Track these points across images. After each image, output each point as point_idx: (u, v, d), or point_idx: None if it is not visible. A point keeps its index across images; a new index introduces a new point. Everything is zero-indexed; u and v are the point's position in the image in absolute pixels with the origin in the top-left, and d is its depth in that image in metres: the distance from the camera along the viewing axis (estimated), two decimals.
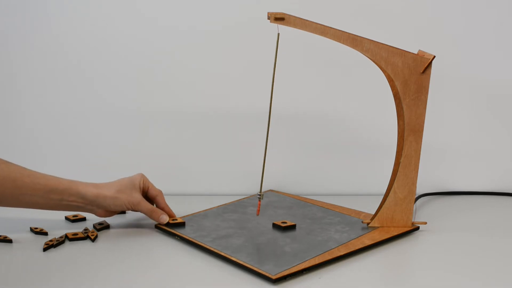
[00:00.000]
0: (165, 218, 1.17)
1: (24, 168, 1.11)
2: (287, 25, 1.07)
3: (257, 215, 1.18)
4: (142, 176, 1.19)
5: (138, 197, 1.16)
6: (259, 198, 1.14)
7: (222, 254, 1.04)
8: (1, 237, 1.11)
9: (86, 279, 0.97)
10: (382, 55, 1.10)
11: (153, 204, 1.20)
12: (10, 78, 1.39)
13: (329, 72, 1.39)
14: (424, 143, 1.14)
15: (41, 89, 1.39)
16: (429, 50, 1.13)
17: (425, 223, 1.18)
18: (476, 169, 1.44)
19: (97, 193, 1.13)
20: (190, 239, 1.10)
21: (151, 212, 1.17)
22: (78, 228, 1.18)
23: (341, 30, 1.08)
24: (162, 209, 1.20)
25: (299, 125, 1.41)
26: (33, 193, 1.10)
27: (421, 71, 1.10)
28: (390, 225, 1.16)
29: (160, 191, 1.21)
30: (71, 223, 1.22)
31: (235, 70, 1.39)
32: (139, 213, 1.27)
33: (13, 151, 1.35)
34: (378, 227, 1.16)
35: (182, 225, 1.16)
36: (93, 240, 1.12)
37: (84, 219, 1.23)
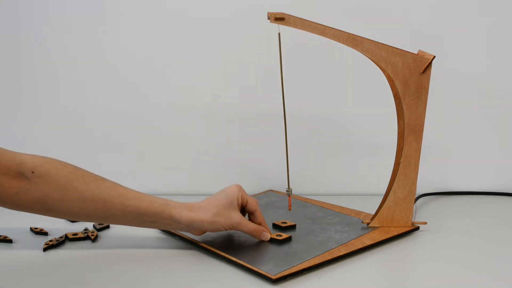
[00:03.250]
0: (267, 236, 1.09)
1: (114, 185, 1.05)
2: (287, 25, 1.07)
3: (289, 210, 1.18)
4: (240, 189, 1.09)
5: (237, 217, 1.07)
6: (288, 194, 1.15)
7: (222, 254, 1.04)
8: (1, 237, 1.11)
9: (86, 279, 0.97)
10: (382, 55, 1.10)
11: (248, 217, 1.13)
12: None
13: (329, 72, 1.39)
14: (424, 143, 1.14)
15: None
16: (429, 50, 1.13)
17: (425, 223, 1.18)
18: (476, 169, 1.44)
19: (192, 218, 1.05)
20: (190, 239, 1.10)
21: (252, 232, 1.09)
22: (78, 228, 1.18)
23: (341, 30, 1.08)
24: (259, 224, 1.11)
25: (299, 125, 1.40)
26: (124, 215, 1.04)
27: (421, 71, 1.10)
28: (390, 225, 1.16)
29: (256, 203, 1.12)
30: (71, 223, 1.22)
31: (236, 70, 1.39)
32: None
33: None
34: (378, 227, 1.16)
35: (289, 239, 1.11)
36: (93, 240, 1.12)
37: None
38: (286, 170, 1.16)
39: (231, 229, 1.07)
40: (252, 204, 1.11)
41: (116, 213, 1.04)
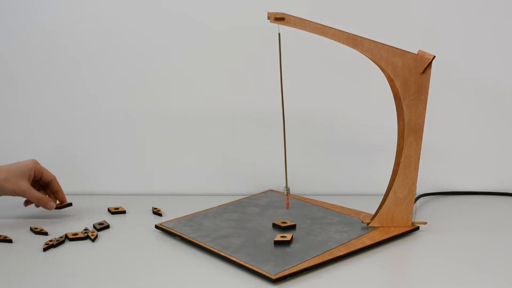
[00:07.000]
0: (52, 205, 1.21)
1: None
2: (287, 25, 1.07)
3: (287, 208, 1.22)
4: (35, 163, 1.19)
5: (24, 185, 1.17)
6: (287, 192, 1.17)
7: (222, 254, 1.04)
8: (1, 237, 1.11)
9: (86, 279, 0.98)
10: (382, 55, 1.10)
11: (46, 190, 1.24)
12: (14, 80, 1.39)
13: (329, 72, 1.39)
14: (424, 143, 1.14)
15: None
16: (429, 50, 1.13)
17: (425, 223, 1.18)
18: (476, 169, 1.44)
19: None
20: (190, 239, 1.10)
21: (37, 200, 1.19)
22: (78, 228, 1.18)
23: (341, 30, 1.08)
24: (56, 192, 1.23)
25: (299, 125, 1.40)
26: None
27: (421, 71, 1.10)
28: (390, 225, 1.16)
29: (54, 176, 1.22)
30: (71, 223, 1.21)
31: (235, 70, 1.39)
32: (139, 213, 1.27)
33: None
34: (378, 227, 1.16)
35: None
36: (93, 240, 1.12)
37: (70, 204, 1.26)
38: (284, 169, 1.15)
39: (18, 195, 1.17)
40: (47, 176, 1.21)
41: None
